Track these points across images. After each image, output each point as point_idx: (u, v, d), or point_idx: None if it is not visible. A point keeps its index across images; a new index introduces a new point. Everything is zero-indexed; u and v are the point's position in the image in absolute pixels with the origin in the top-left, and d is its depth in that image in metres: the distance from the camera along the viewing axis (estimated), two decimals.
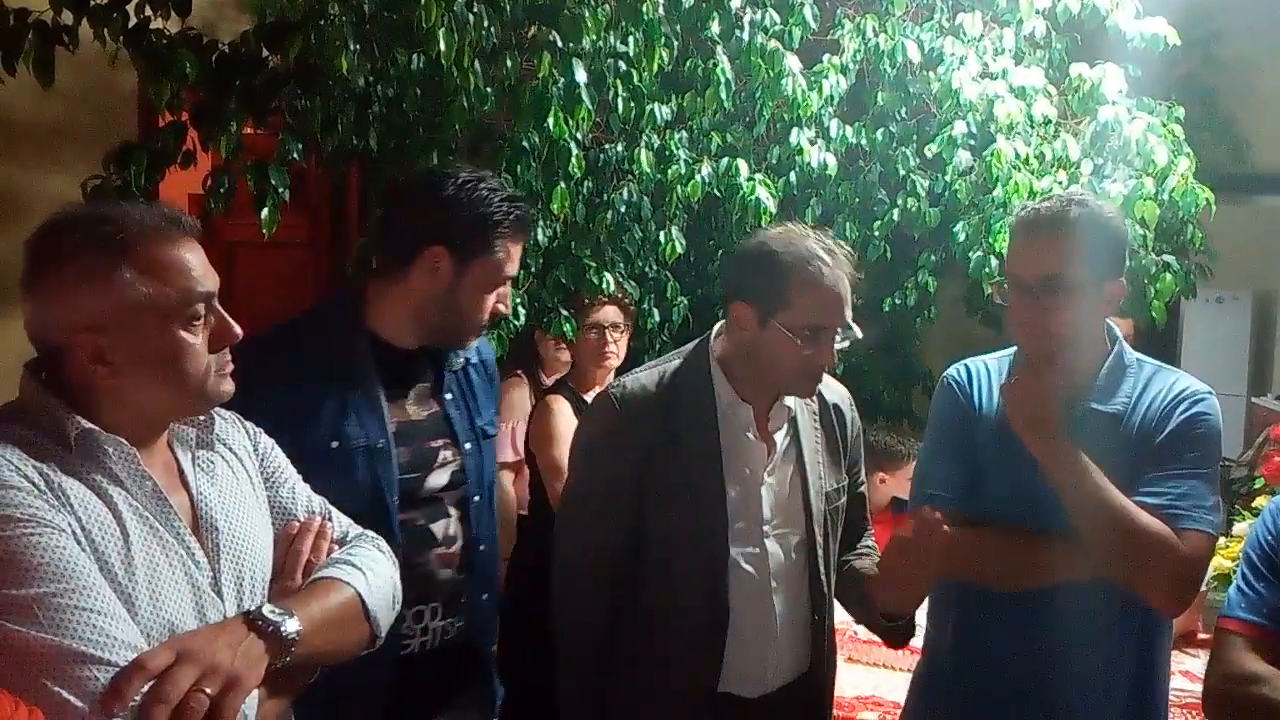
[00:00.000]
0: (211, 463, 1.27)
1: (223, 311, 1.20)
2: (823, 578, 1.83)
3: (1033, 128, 3.19)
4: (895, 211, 3.43)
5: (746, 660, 1.78)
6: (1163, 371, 1.72)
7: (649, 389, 1.80)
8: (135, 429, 1.17)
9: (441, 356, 1.84)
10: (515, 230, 1.78)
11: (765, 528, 1.78)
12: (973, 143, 3.25)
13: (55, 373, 1.15)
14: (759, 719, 1.80)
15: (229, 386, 1.23)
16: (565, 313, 2.95)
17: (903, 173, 3.40)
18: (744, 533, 1.76)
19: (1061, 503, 1.60)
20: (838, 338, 1.71)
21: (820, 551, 1.81)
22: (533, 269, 3.00)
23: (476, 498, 1.84)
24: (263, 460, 1.36)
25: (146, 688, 1.02)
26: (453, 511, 1.81)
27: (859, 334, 1.73)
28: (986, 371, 1.81)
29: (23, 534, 1.03)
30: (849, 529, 1.91)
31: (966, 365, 1.83)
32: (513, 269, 1.80)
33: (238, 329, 1.21)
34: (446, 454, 1.81)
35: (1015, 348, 1.81)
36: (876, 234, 3.49)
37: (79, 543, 1.07)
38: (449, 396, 1.84)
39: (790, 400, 1.81)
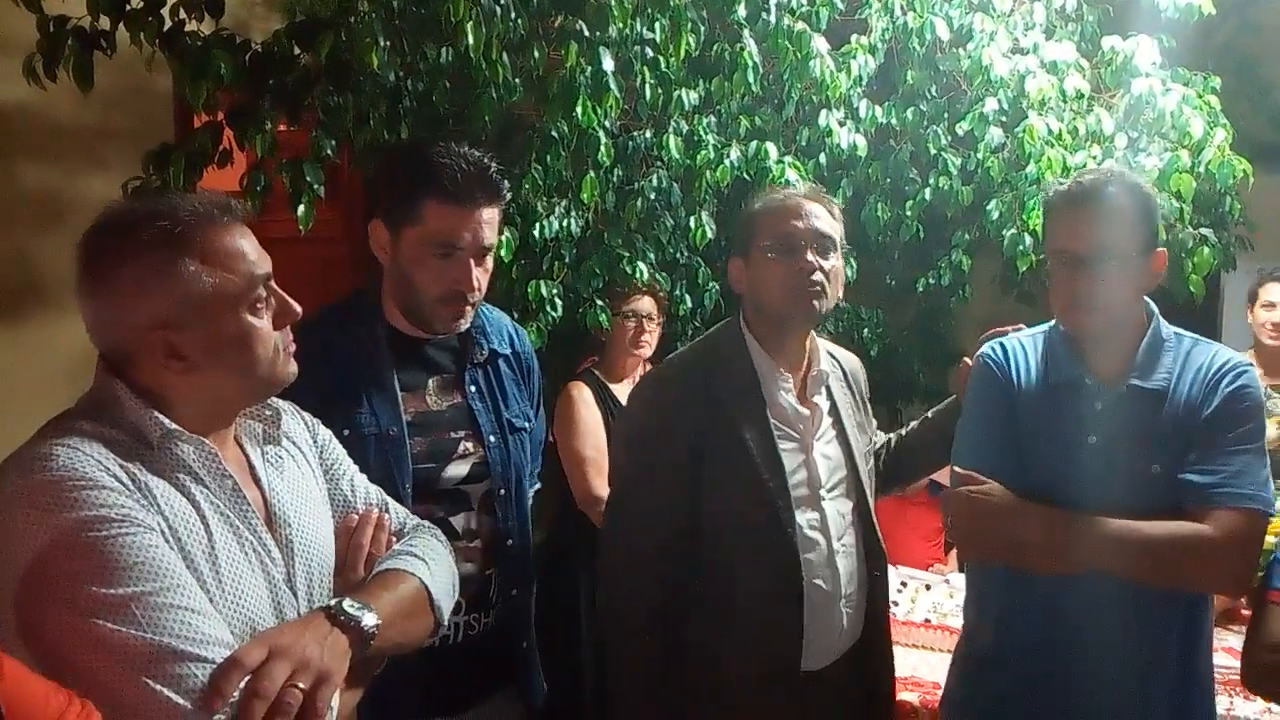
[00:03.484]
0: (279, 458, 1.28)
1: (280, 291, 1.21)
2: (875, 532, 1.87)
3: (1065, 102, 3.15)
4: (927, 191, 3.41)
5: (820, 629, 1.79)
6: (1201, 344, 1.71)
7: (689, 368, 1.84)
8: (207, 423, 1.18)
9: (468, 347, 1.82)
10: (449, 193, 1.64)
11: (821, 491, 1.80)
12: (1004, 119, 3.22)
13: (125, 372, 1.15)
14: (829, 688, 1.81)
15: (294, 367, 1.23)
16: (600, 303, 2.97)
17: (934, 151, 3.37)
18: (805, 499, 1.78)
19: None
20: (815, 250, 1.75)
21: (871, 512, 1.87)
22: (566, 260, 3.01)
23: (502, 491, 1.80)
24: (322, 451, 1.38)
25: (243, 684, 1.04)
26: (477, 505, 1.79)
27: (837, 243, 1.80)
28: (1022, 349, 1.80)
29: (117, 534, 1.04)
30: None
31: (1002, 343, 1.83)
32: (462, 237, 1.66)
33: (297, 306, 1.21)
34: (468, 445, 1.78)
35: (1049, 324, 1.80)
36: (909, 214, 3.47)
37: (167, 541, 1.08)
38: (472, 389, 1.81)
39: (825, 365, 1.86)
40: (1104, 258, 1.62)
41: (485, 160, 1.68)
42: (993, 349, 1.82)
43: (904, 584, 3.12)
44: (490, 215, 1.69)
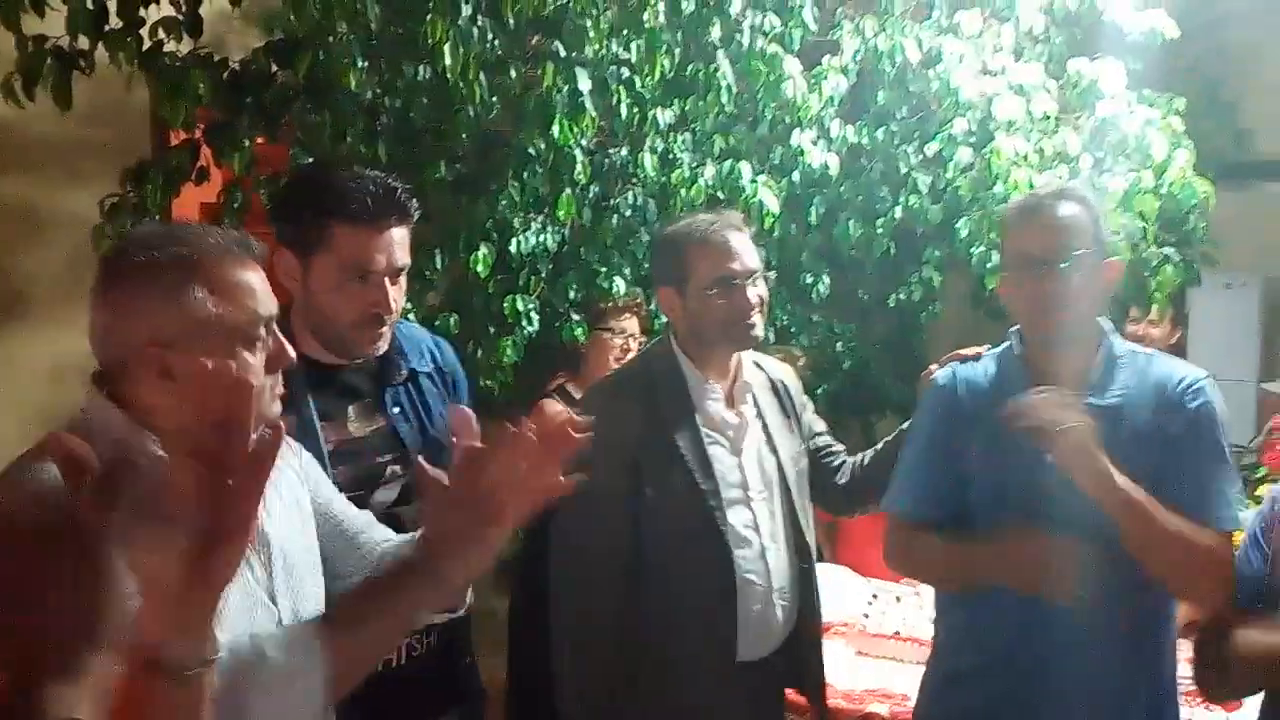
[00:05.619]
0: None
1: (280, 335, 1.22)
2: (804, 531, 2.00)
3: (1033, 123, 3.22)
4: (898, 209, 3.47)
5: (755, 622, 1.91)
6: (1157, 358, 1.75)
7: (627, 382, 2.02)
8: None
9: (384, 369, 1.79)
10: (358, 216, 1.62)
11: (750, 493, 1.94)
12: (973, 140, 3.28)
13: (117, 389, 1.16)
14: (765, 677, 1.96)
15: (278, 408, 1.23)
16: (576, 317, 3.00)
17: (904, 170, 3.44)
18: (737, 500, 1.92)
19: (1120, 531, 1.59)
20: (751, 284, 1.90)
21: (800, 512, 2.01)
22: (543, 275, 3.04)
23: None
24: (305, 473, 1.39)
25: None
26: (410, 528, 1.75)
27: (767, 275, 1.95)
28: (976, 372, 1.82)
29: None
30: (819, 457, 2.12)
31: (954, 368, 1.86)
32: (375, 260, 1.64)
33: (292, 353, 1.22)
34: (395, 469, 1.75)
35: (1004, 345, 1.82)
36: (880, 231, 3.52)
37: None
38: (395, 410, 1.77)
39: (749, 377, 2.00)
40: (1064, 259, 1.66)
41: (391, 180, 1.67)
42: (944, 375, 1.85)
43: (875, 596, 3.16)
44: (401, 235, 1.68)
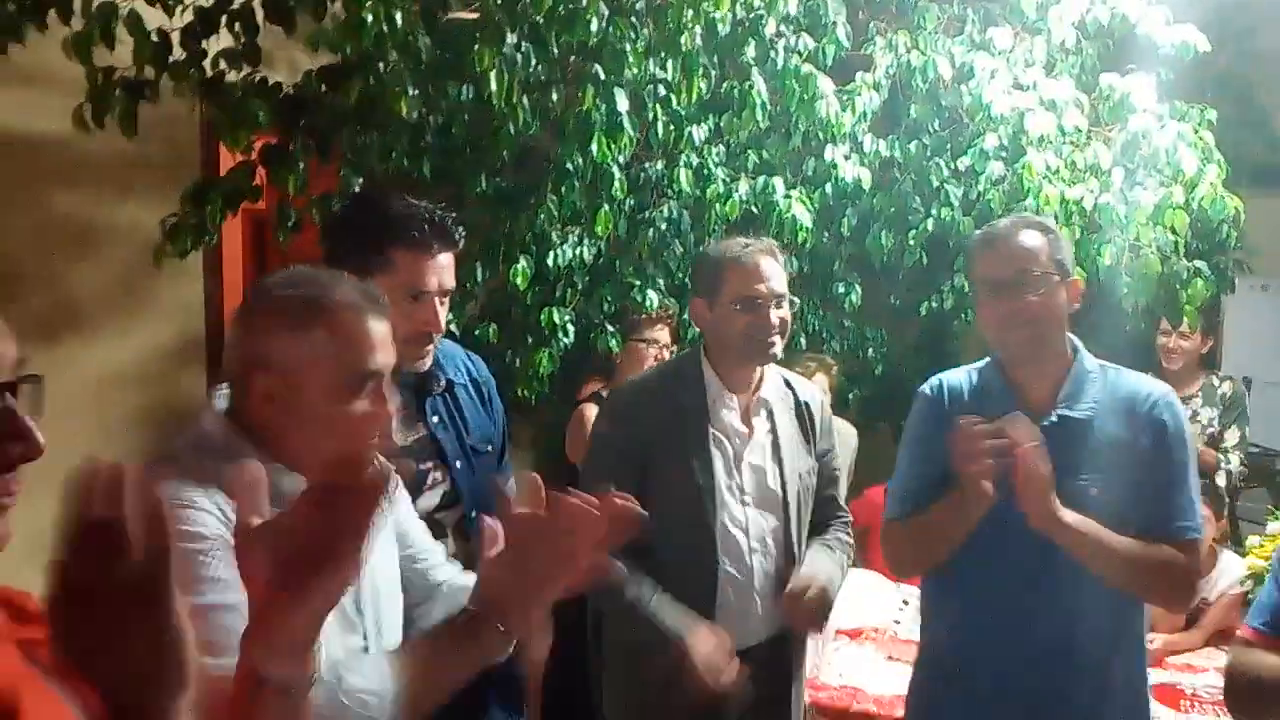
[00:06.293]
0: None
1: (385, 392, 1.29)
2: (795, 546, 2.13)
3: (1064, 137, 3.25)
4: (929, 221, 3.51)
5: (736, 613, 2.06)
6: (1123, 374, 1.88)
7: (649, 384, 2.24)
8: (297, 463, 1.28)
9: (423, 381, 1.90)
10: (416, 241, 1.76)
11: (746, 497, 2.08)
12: (1004, 154, 3.32)
13: (237, 402, 1.28)
14: (749, 666, 2.04)
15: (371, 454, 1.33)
16: (611, 328, 3.08)
17: (936, 183, 3.48)
18: (730, 500, 2.07)
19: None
20: (774, 306, 2.04)
21: (795, 522, 2.13)
22: (579, 287, 3.12)
23: (474, 514, 1.87)
24: (393, 496, 1.50)
25: None
26: (451, 532, 1.87)
27: (793, 300, 2.10)
28: (959, 383, 1.94)
29: (208, 549, 1.15)
30: (820, 506, 2.23)
31: (941, 378, 1.97)
32: (429, 282, 1.77)
33: (391, 410, 1.29)
34: (436, 475, 1.87)
35: (983, 361, 1.93)
36: (912, 242, 3.57)
37: None
38: (435, 419, 1.90)
39: (768, 394, 2.14)
40: (1025, 280, 1.79)
41: (441, 210, 1.81)
42: (930, 386, 1.97)
43: (905, 602, 3.22)
44: (449, 260, 1.82)
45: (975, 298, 1.91)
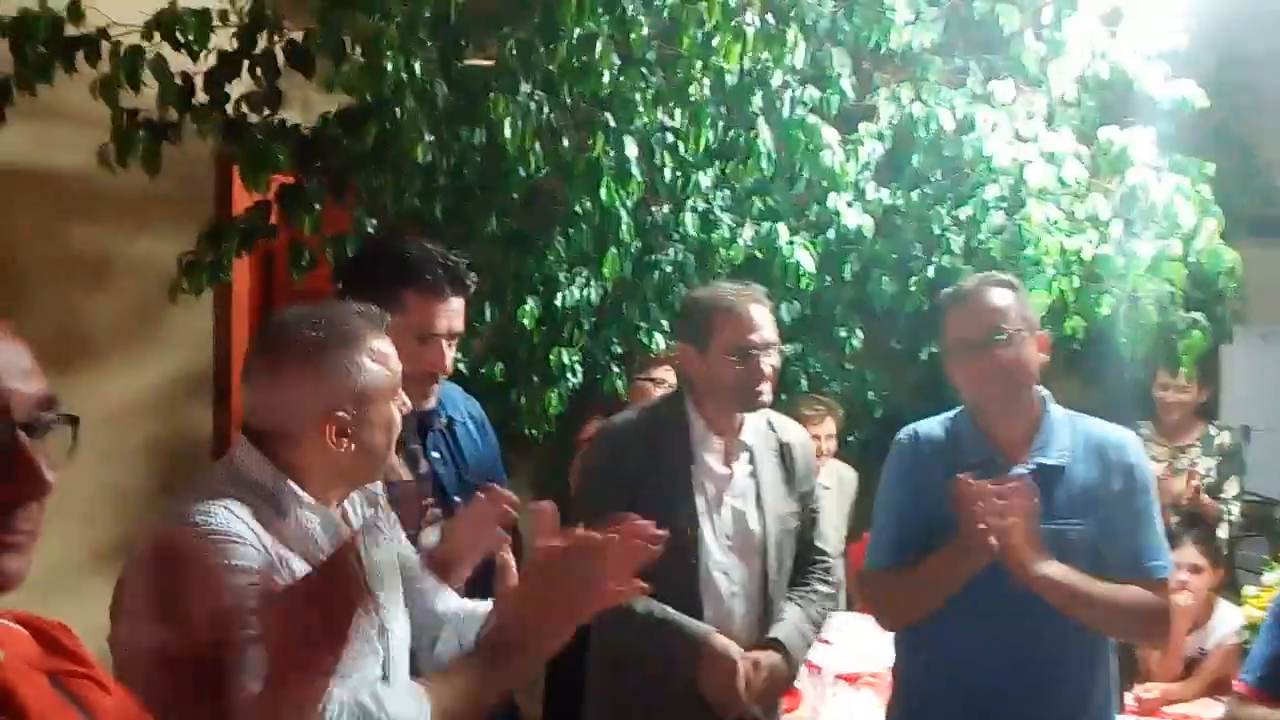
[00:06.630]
0: (378, 528, 1.44)
1: (404, 392, 1.40)
2: (771, 590, 2.14)
3: (1063, 188, 3.31)
4: (930, 268, 3.56)
5: None
6: (1089, 421, 1.95)
7: (632, 421, 2.24)
8: (332, 494, 1.36)
9: (424, 419, 1.96)
10: (429, 285, 1.82)
11: (727, 541, 2.10)
12: (1005, 204, 3.37)
13: (270, 446, 1.31)
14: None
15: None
16: (617, 370, 3.11)
17: (937, 231, 3.52)
18: (710, 543, 2.09)
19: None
20: (765, 354, 2.07)
21: (774, 567, 2.15)
22: (585, 328, 3.17)
23: None
24: (394, 525, 1.54)
25: None
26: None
27: (783, 348, 2.14)
28: (935, 431, 1.99)
29: (252, 584, 1.19)
30: (801, 549, 2.23)
31: (915, 428, 2.02)
32: (439, 325, 1.84)
33: (409, 403, 1.41)
34: (436, 511, 1.93)
35: (955, 411, 1.99)
36: (913, 288, 3.61)
37: None
38: (436, 455, 1.98)
39: (749, 438, 2.14)
40: (998, 338, 1.86)
41: (454, 256, 1.88)
42: (906, 435, 2.03)
43: None
44: (460, 305, 1.88)
45: (946, 355, 1.97)
